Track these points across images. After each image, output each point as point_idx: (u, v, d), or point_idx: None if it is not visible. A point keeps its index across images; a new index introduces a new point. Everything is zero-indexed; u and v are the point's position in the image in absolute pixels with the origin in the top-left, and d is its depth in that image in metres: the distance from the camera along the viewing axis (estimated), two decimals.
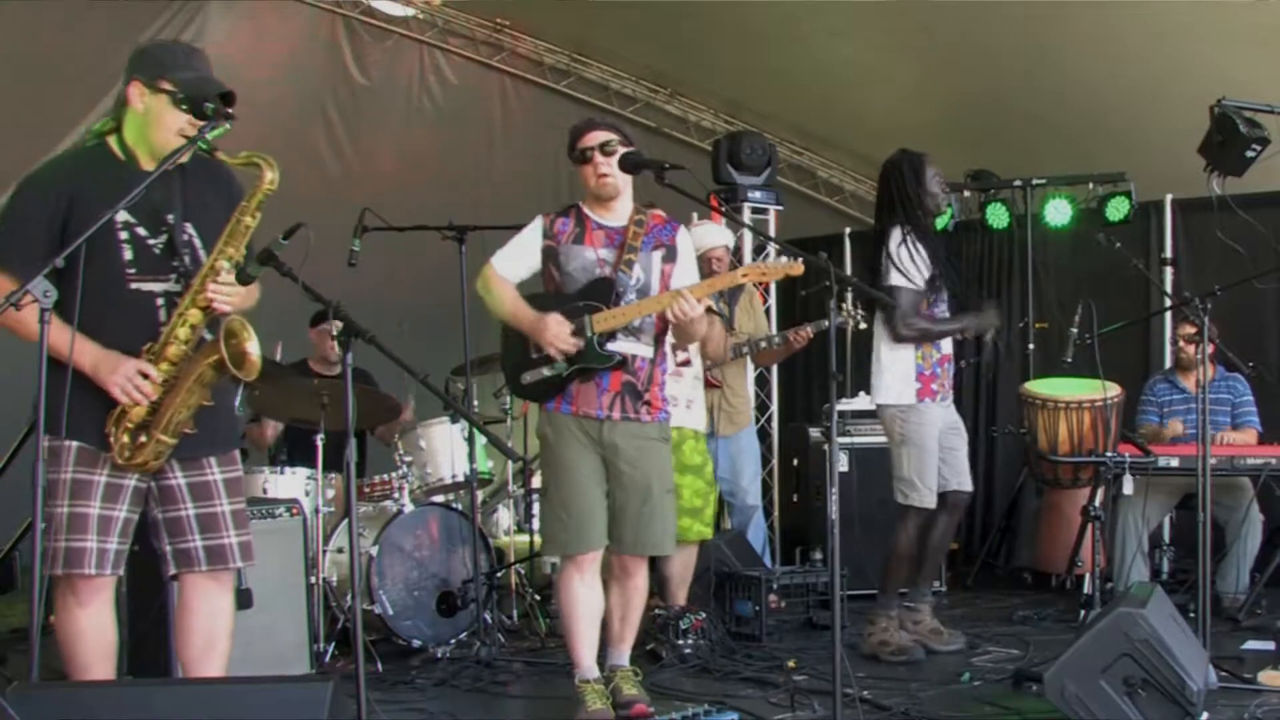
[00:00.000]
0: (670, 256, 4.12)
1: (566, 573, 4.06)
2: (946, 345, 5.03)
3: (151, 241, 3.16)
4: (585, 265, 4.05)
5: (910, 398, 4.94)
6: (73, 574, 3.08)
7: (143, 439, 3.07)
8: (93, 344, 3.07)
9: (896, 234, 4.92)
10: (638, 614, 4.22)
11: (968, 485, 5.10)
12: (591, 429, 4.03)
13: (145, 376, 3.06)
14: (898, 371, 4.96)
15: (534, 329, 3.99)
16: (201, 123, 3.09)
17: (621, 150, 4.05)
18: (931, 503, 4.94)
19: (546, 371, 4.02)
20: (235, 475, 3.32)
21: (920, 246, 4.89)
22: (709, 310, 5.08)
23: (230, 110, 3.11)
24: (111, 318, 3.11)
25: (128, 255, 3.13)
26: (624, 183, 4.08)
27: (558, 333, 3.94)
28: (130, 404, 3.06)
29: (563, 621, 4.14)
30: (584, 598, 4.04)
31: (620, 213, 4.12)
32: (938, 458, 4.97)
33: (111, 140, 3.19)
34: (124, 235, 3.12)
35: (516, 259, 4.13)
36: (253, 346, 3.10)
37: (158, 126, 3.13)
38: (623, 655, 4.21)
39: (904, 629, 5.01)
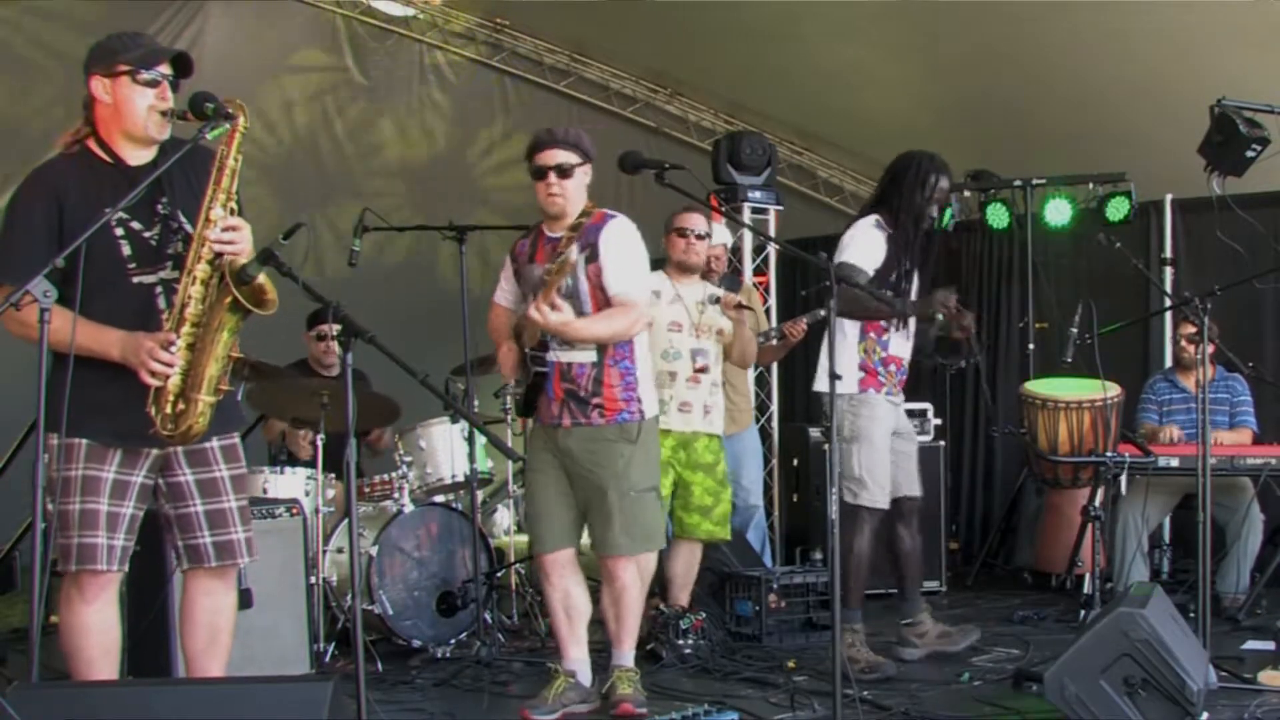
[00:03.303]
0: (593, 256, 4.00)
1: (541, 572, 4.22)
2: (894, 347, 4.82)
3: (147, 234, 3.18)
4: (534, 282, 4.07)
5: (853, 386, 4.70)
6: (84, 570, 3.10)
7: (181, 406, 3.08)
8: (117, 332, 3.09)
9: (870, 220, 4.80)
10: (631, 614, 4.21)
11: (916, 491, 4.94)
12: (552, 436, 4.13)
13: (167, 346, 3.04)
14: (842, 360, 4.67)
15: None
16: (186, 111, 3.12)
17: (579, 172, 4.05)
18: (883, 502, 4.72)
19: (514, 388, 4.20)
20: (240, 472, 3.36)
21: (887, 248, 4.74)
22: (740, 306, 5.02)
23: (214, 106, 3.11)
24: (117, 313, 3.12)
25: (126, 250, 3.15)
26: (574, 203, 4.07)
27: (499, 360, 4.18)
28: (159, 382, 3.05)
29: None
30: (555, 595, 4.19)
31: (567, 224, 4.09)
32: (889, 458, 4.79)
33: (91, 143, 3.20)
34: (120, 231, 3.14)
35: (502, 288, 4.31)
36: (262, 277, 3.08)
37: (126, 109, 3.16)
38: (623, 655, 4.21)
39: (910, 643, 4.86)
